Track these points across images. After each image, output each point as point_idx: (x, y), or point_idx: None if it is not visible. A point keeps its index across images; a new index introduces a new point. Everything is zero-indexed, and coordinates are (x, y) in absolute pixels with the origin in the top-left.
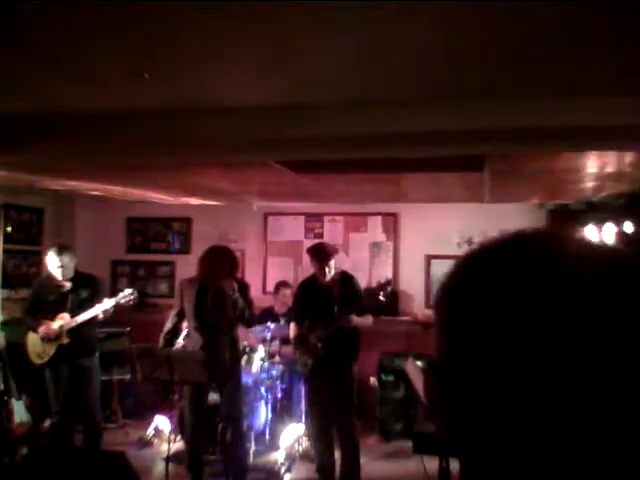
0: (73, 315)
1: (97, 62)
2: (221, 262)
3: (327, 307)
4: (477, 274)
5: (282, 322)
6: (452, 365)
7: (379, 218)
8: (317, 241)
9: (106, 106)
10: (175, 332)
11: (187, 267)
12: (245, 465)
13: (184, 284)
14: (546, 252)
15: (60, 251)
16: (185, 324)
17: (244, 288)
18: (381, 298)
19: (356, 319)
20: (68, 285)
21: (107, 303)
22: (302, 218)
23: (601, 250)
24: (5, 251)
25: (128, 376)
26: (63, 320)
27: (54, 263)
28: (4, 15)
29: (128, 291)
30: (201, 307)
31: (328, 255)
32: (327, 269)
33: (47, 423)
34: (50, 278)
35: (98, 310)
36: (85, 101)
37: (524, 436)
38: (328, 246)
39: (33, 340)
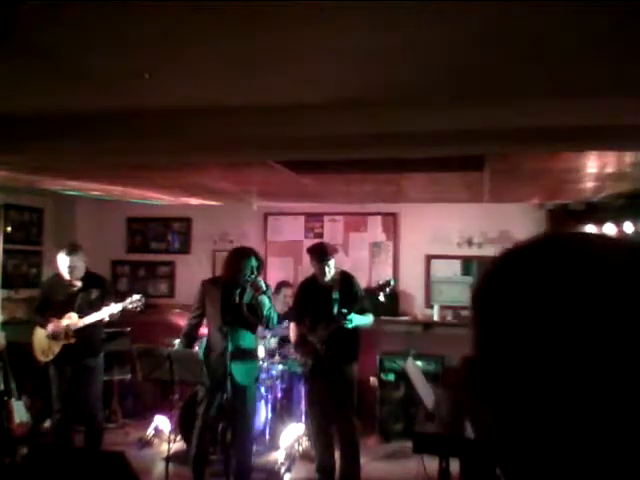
0: (81, 315)
1: (97, 62)
2: (246, 263)
3: (327, 307)
4: (513, 272)
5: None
6: (489, 362)
7: (379, 218)
8: (317, 241)
9: (106, 106)
10: (195, 333)
11: (187, 267)
12: (249, 465)
13: (206, 285)
14: (579, 251)
15: (70, 252)
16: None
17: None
18: (381, 298)
19: (357, 319)
20: (78, 284)
21: (114, 307)
22: (302, 218)
23: (633, 248)
24: (5, 251)
25: (128, 376)
26: (70, 320)
27: (64, 264)
28: (4, 15)
29: (136, 297)
30: (227, 308)
31: (328, 255)
32: (327, 269)
33: (47, 423)
34: (59, 277)
35: (105, 313)
36: (85, 101)
37: (562, 433)
38: (328, 246)
39: (39, 337)
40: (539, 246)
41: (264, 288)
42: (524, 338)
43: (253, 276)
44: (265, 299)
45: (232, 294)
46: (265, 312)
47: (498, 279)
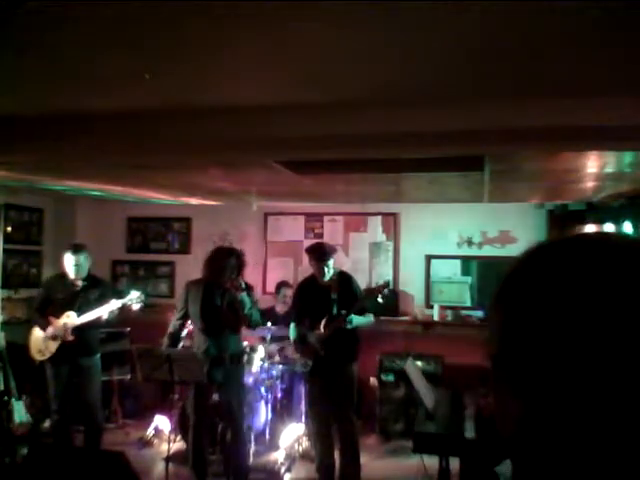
0: (80, 315)
1: (97, 62)
2: (226, 263)
3: (326, 307)
4: (542, 269)
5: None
6: (518, 355)
7: (379, 218)
8: (316, 241)
9: (106, 106)
10: (179, 333)
11: (187, 267)
12: (246, 465)
13: (189, 286)
14: (605, 248)
15: (76, 250)
16: (189, 326)
17: (250, 289)
18: (379, 300)
19: (357, 319)
20: (80, 284)
21: (114, 304)
22: (302, 218)
23: None
24: (5, 251)
25: (128, 376)
26: (69, 318)
27: (70, 262)
28: (4, 15)
29: (136, 293)
30: (207, 308)
31: (326, 255)
32: (326, 269)
33: (47, 423)
34: (61, 276)
35: (105, 310)
36: (85, 101)
37: (592, 426)
38: (326, 246)
39: (36, 336)
40: (566, 244)
41: (243, 286)
42: (553, 331)
43: (233, 276)
44: (245, 298)
45: (213, 295)
46: (246, 311)
47: (526, 276)
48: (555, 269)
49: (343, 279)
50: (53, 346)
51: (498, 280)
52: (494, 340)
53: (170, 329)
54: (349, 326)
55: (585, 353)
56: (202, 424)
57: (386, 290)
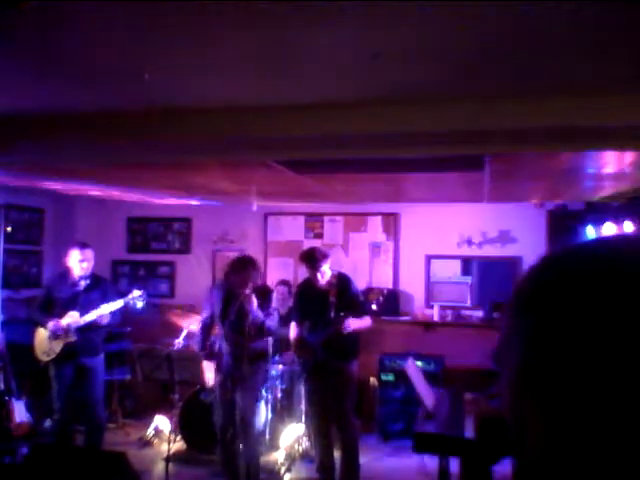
0: (82, 314)
1: (97, 62)
2: (239, 273)
3: (324, 310)
4: (575, 274)
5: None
6: (548, 366)
7: (379, 218)
8: (313, 243)
9: (106, 106)
10: (208, 335)
11: (187, 267)
12: (257, 465)
13: (212, 289)
14: (631, 254)
15: (82, 246)
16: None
17: (264, 298)
18: (373, 307)
19: (355, 323)
20: (82, 283)
21: (116, 304)
22: (302, 218)
23: None
24: (5, 251)
25: (128, 376)
26: (72, 318)
27: (76, 257)
28: (4, 15)
29: (137, 292)
30: (225, 314)
31: (317, 262)
32: (319, 275)
33: (47, 423)
34: (63, 276)
35: (106, 310)
36: (85, 101)
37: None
38: (318, 252)
39: (40, 337)
40: (592, 248)
41: (254, 302)
42: (591, 339)
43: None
44: (252, 311)
45: (230, 302)
46: (257, 325)
47: (558, 281)
48: (591, 275)
49: (340, 281)
50: (58, 346)
51: (528, 282)
52: (512, 349)
53: (199, 329)
54: (346, 329)
55: (623, 369)
56: (229, 418)
57: (381, 298)
